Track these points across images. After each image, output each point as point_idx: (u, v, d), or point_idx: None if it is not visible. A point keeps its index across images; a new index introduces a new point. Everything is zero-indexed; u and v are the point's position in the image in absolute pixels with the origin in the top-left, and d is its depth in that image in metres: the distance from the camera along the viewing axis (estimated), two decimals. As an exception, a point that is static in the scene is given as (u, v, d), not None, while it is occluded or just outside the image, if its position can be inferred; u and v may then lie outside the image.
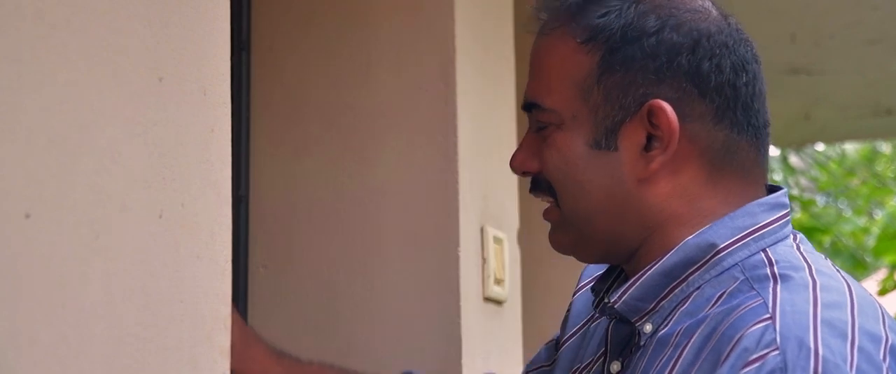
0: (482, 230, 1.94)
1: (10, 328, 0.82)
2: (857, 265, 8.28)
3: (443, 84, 1.90)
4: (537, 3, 1.23)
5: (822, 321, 1.02)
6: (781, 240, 1.15)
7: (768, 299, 1.05)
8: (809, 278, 1.08)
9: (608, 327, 1.22)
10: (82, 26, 0.92)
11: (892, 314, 1.16)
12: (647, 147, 1.15)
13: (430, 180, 1.89)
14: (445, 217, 1.86)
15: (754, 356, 1.00)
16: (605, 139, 1.16)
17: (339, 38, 1.99)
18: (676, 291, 1.14)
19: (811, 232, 7.63)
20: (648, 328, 1.15)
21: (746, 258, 1.12)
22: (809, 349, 1.00)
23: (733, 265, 1.12)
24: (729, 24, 1.19)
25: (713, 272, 1.13)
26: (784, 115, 5.28)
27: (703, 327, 1.08)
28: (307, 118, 1.99)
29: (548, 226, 1.27)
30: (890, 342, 1.04)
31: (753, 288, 1.08)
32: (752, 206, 1.15)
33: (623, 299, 1.16)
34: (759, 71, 1.20)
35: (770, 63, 4.45)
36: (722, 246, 1.13)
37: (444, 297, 1.85)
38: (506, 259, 2.01)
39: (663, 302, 1.14)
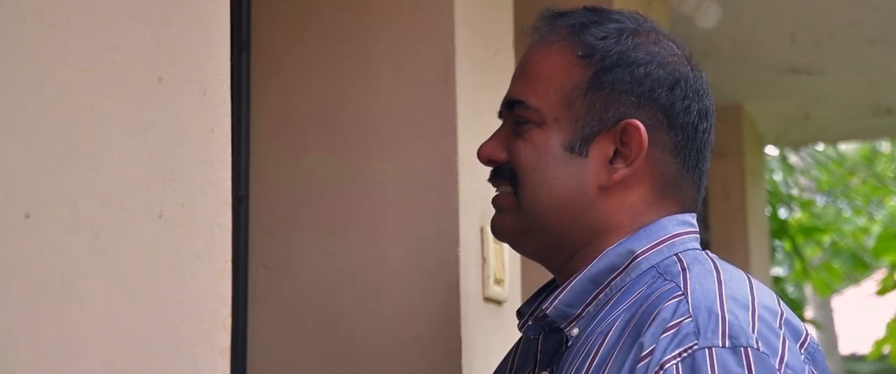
0: (482, 230, 1.94)
1: (10, 328, 0.82)
2: (857, 265, 8.28)
3: (443, 84, 1.90)
4: (539, 18, 1.36)
5: (727, 297, 1.17)
6: (691, 248, 1.29)
7: (680, 283, 1.20)
8: (713, 269, 1.24)
9: (538, 341, 1.34)
10: (82, 26, 0.92)
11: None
12: (613, 160, 1.29)
13: (430, 180, 1.89)
14: (445, 217, 1.86)
15: (671, 324, 1.15)
16: (579, 145, 1.29)
17: (340, 38, 1.99)
18: (600, 296, 1.27)
19: (811, 232, 7.63)
20: (575, 331, 1.27)
21: (661, 261, 1.26)
22: (717, 315, 1.14)
23: (650, 268, 1.26)
24: (701, 75, 1.35)
25: (633, 275, 1.26)
26: (784, 115, 5.29)
27: (622, 315, 1.21)
28: (307, 118, 2.00)
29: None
30: (785, 316, 1.20)
31: (666, 278, 1.22)
32: (664, 220, 1.30)
33: (554, 304, 1.28)
34: (714, 124, 1.36)
35: (770, 63, 4.47)
36: (639, 252, 1.27)
37: (444, 297, 1.85)
38: (506, 259, 2.01)
39: (589, 308, 1.27)
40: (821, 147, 8.31)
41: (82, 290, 0.89)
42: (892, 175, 9.68)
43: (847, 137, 6.46)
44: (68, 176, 0.89)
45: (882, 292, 7.12)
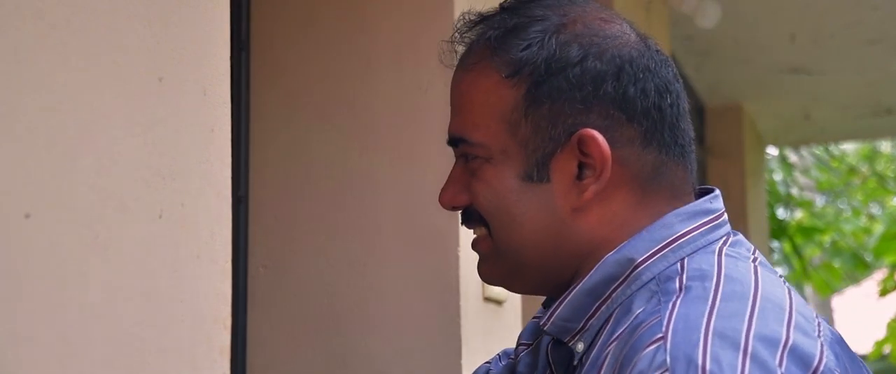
0: (482, 230, 1.94)
1: (10, 328, 0.82)
2: (857, 265, 8.29)
3: (443, 84, 1.89)
4: (454, 37, 1.21)
5: (713, 334, 1.00)
6: (703, 247, 1.14)
7: (664, 317, 1.04)
8: (712, 288, 1.07)
9: (547, 348, 1.22)
10: (82, 26, 0.92)
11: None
12: (580, 176, 1.14)
13: (429, 180, 1.89)
14: (445, 217, 1.86)
15: None
16: (537, 171, 1.15)
17: (339, 38, 1.99)
18: (602, 309, 1.13)
19: (810, 232, 7.64)
20: (580, 347, 1.15)
21: (663, 270, 1.11)
22: (697, 366, 0.97)
23: (651, 279, 1.11)
24: (648, 47, 1.17)
25: (634, 287, 1.12)
26: (784, 115, 5.29)
27: (613, 347, 1.07)
28: (307, 118, 2.00)
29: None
30: (791, 343, 1.02)
31: (660, 303, 1.07)
32: (669, 217, 1.14)
33: (551, 320, 1.16)
34: (681, 89, 1.19)
35: (770, 63, 4.47)
36: (639, 260, 1.12)
37: (444, 297, 1.85)
38: (506, 259, 2.01)
39: (592, 321, 1.14)
40: (820, 149, 8.32)
41: (82, 290, 0.90)
42: (892, 175, 9.69)
43: (847, 137, 6.46)
44: (68, 176, 0.89)
45: (883, 293, 7.12)
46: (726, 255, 1.12)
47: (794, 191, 8.16)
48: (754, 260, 1.14)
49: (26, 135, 0.85)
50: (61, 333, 0.87)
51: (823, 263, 8.00)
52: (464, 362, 1.82)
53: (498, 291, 1.97)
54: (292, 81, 2.01)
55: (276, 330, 1.96)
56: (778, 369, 0.99)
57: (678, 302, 1.05)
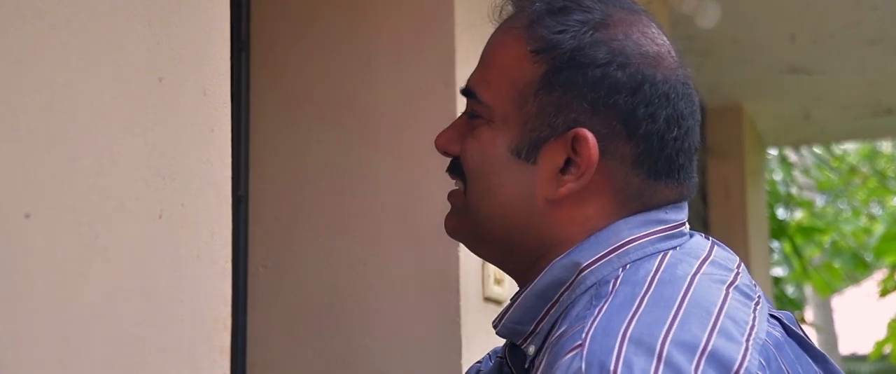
0: (482, 230, 1.94)
1: (10, 328, 0.82)
2: (857, 265, 8.29)
3: (443, 84, 1.90)
4: None
5: (629, 341, 1.00)
6: (650, 255, 1.13)
7: (587, 323, 1.03)
8: (640, 293, 1.06)
9: (505, 351, 1.23)
10: (82, 26, 0.92)
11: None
12: (564, 170, 1.15)
13: (430, 180, 1.89)
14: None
15: None
16: (527, 151, 1.16)
17: (339, 39, 1.99)
18: (552, 312, 1.14)
19: (810, 232, 7.64)
20: (531, 350, 1.16)
21: (605, 276, 1.11)
22: (609, 371, 0.97)
23: (593, 284, 1.11)
24: (678, 76, 1.17)
25: (578, 291, 1.12)
26: (784, 115, 5.29)
27: (546, 354, 1.08)
28: (307, 118, 2.00)
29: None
30: (711, 347, 1.01)
31: (590, 308, 1.07)
32: (619, 224, 1.15)
33: (502, 322, 1.17)
34: (695, 128, 1.19)
35: (770, 63, 4.47)
36: (585, 264, 1.12)
37: (444, 297, 1.85)
38: (506, 259, 2.01)
39: (542, 324, 1.15)
40: (820, 150, 8.32)
41: (82, 290, 0.89)
42: (893, 175, 9.69)
43: (847, 137, 6.46)
44: (68, 176, 0.89)
45: (883, 293, 7.14)
46: (669, 258, 1.12)
47: (794, 191, 8.15)
48: (705, 260, 1.13)
49: (26, 135, 0.85)
50: (61, 333, 0.87)
51: (823, 263, 8.00)
52: (464, 362, 1.82)
53: (498, 291, 1.97)
54: (292, 81, 2.01)
55: (276, 330, 1.96)
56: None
57: (604, 307, 1.05)
